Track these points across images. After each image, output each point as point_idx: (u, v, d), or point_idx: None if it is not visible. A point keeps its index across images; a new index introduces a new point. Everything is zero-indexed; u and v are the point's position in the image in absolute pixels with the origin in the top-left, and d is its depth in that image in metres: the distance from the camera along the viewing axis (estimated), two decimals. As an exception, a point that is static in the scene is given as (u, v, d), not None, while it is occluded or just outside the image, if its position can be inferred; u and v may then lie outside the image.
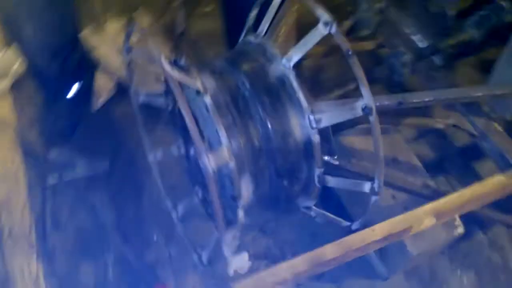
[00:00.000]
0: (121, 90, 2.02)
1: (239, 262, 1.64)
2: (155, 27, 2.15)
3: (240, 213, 1.19)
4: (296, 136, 1.23)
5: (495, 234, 1.82)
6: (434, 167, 1.80)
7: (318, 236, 1.75)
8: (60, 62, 1.69)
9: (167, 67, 1.08)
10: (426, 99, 1.26)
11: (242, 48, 1.37)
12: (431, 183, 1.52)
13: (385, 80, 1.69)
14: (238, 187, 1.16)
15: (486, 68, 1.83)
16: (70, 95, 1.82)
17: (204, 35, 2.22)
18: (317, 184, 1.29)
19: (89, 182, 1.81)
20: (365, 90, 1.14)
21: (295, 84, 1.22)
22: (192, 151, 1.49)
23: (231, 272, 1.64)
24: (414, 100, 1.25)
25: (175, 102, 1.51)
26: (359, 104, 1.15)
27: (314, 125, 1.21)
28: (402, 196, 1.53)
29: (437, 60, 1.61)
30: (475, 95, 1.37)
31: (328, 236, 1.74)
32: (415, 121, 1.58)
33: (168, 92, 1.51)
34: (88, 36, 1.87)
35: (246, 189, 1.20)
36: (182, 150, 1.58)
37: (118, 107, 2.01)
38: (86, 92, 1.89)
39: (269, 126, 1.21)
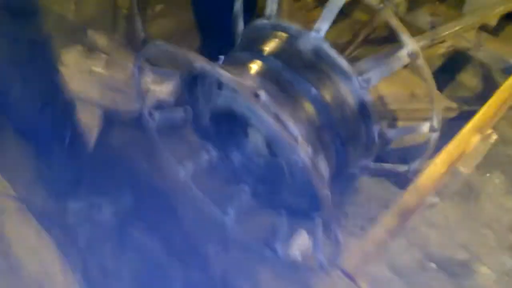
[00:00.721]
0: (108, 122, 1.90)
1: (303, 241, 1.65)
2: (115, 41, 2.02)
3: (328, 195, 1.18)
4: (350, 102, 1.23)
5: (502, 131, 1.96)
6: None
7: (361, 191, 1.79)
8: (51, 109, 1.56)
9: (226, 74, 1.04)
10: (456, 28, 1.30)
11: (258, 33, 1.32)
12: (453, 105, 1.59)
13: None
14: (319, 170, 1.15)
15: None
16: (66, 141, 1.69)
17: (166, 35, 2.13)
18: (377, 140, 1.31)
19: (121, 219, 1.70)
20: (406, 37, 1.16)
21: (332, 52, 1.21)
22: (237, 153, 1.44)
23: (296, 253, 1.65)
24: (445, 32, 1.29)
25: (196, 111, 1.45)
26: (404, 52, 1.17)
27: (364, 85, 1.21)
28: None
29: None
30: (491, 14, 1.44)
31: (369, 188, 1.80)
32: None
33: (186, 103, 1.45)
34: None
35: (324, 169, 1.20)
36: (215, 156, 1.53)
37: (112, 139, 1.89)
38: (79, 134, 1.76)
39: (323, 100, 1.21)
